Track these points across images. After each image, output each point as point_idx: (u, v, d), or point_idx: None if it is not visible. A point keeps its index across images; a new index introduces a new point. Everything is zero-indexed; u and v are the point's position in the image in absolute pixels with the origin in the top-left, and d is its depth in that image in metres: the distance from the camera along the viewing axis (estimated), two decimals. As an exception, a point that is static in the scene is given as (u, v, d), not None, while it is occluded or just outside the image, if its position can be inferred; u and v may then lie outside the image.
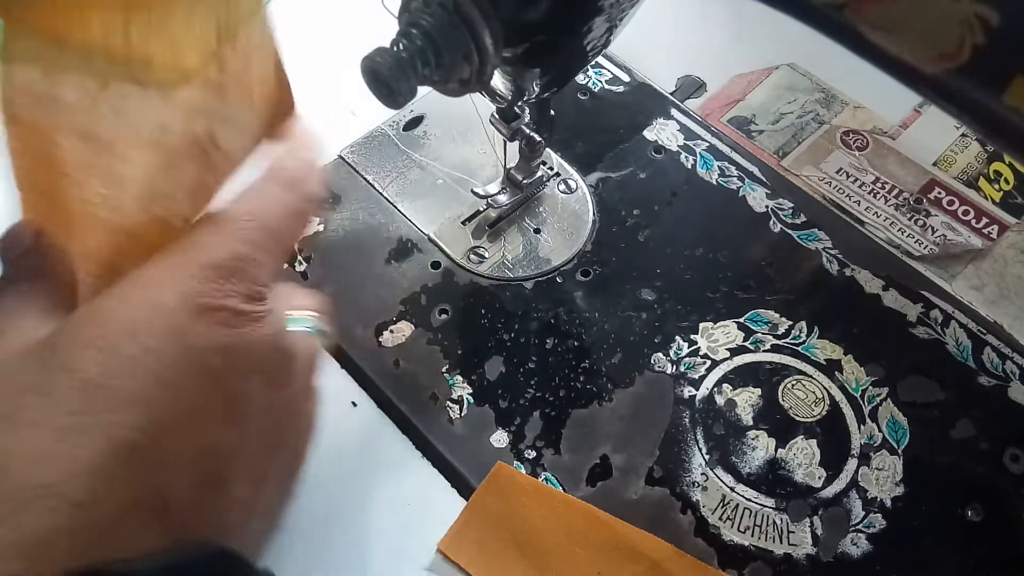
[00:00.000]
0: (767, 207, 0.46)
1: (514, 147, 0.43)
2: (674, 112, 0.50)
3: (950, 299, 0.43)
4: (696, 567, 0.35)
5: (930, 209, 0.47)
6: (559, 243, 0.45)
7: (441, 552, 0.36)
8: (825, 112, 0.52)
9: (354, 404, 0.40)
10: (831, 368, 0.41)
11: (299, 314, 0.30)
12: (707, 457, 0.38)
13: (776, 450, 0.38)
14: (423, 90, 0.29)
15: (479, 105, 0.43)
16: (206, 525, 0.25)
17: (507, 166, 0.45)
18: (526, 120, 0.41)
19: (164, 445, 0.24)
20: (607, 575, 0.35)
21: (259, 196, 0.28)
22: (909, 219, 0.47)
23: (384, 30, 0.30)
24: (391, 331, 0.42)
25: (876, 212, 0.47)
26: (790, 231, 0.45)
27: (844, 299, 0.43)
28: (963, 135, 0.50)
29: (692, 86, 0.53)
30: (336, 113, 0.50)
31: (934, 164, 0.49)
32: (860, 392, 0.40)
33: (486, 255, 0.44)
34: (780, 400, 0.40)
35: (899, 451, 0.38)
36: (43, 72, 0.25)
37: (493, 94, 0.37)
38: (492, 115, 0.42)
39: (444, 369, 0.41)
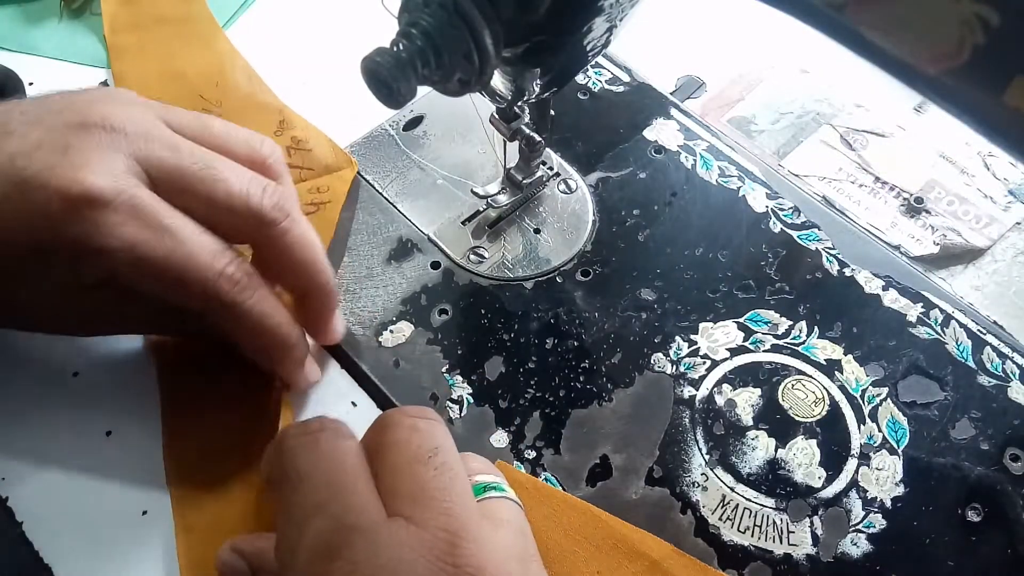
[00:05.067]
0: (767, 207, 0.46)
1: (514, 147, 0.43)
2: (674, 112, 0.50)
3: (950, 299, 0.43)
4: (696, 567, 0.35)
5: (930, 209, 0.47)
6: (559, 243, 0.45)
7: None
8: (825, 112, 0.52)
9: (354, 404, 0.40)
10: (831, 368, 0.41)
11: (484, 479, 0.31)
12: (707, 457, 0.38)
13: (776, 450, 0.38)
14: (423, 90, 0.29)
15: (479, 105, 0.44)
16: None
17: (507, 166, 0.45)
18: (526, 120, 0.41)
19: None
20: (607, 575, 0.34)
21: None
22: (909, 219, 0.47)
23: (384, 30, 0.30)
24: (391, 331, 0.42)
25: (876, 212, 0.47)
26: (790, 231, 0.45)
27: (844, 299, 0.43)
28: (963, 135, 0.50)
29: (692, 86, 0.53)
30: (336, 113, 0.50)
31: (934, 164, 0.49)
32: (860, 392, 0.40)
33: (486, 255, 0.44)
34: (780, 400, 0.40)
35: (899, 451, 0.38)
36: None
37: (493, 94, 0.37)
38: (492, 115, 0.42)
39: (444, 369, 0.41)
